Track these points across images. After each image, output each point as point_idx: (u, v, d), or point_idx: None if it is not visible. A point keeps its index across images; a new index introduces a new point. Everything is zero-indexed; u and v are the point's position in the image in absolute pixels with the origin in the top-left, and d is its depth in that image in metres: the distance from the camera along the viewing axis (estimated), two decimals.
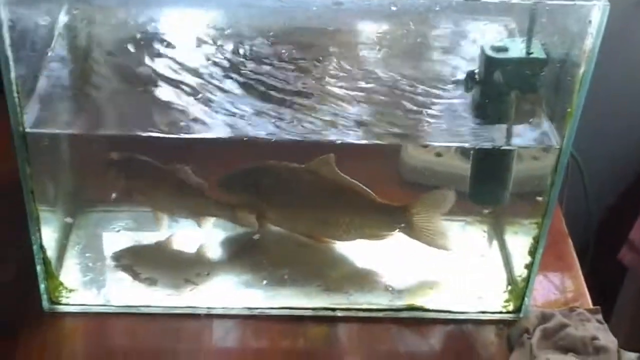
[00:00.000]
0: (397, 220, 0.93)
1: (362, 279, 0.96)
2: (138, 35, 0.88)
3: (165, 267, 0.96)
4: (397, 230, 0.94)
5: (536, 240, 0.89)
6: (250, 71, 0.87)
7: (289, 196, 0.94)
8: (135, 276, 0.94)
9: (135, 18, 0.89)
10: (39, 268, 0.89)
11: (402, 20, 0.84)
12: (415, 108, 0.87)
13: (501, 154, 0.89)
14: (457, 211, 0.99)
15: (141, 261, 0.96)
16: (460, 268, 0.97)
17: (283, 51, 0.87)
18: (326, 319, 0.92)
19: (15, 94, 0.79)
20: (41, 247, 0.88)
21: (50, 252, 0.90)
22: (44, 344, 0.89)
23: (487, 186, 0.93)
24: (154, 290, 0.93)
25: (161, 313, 0.92)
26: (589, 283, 0.98)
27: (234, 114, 0.85)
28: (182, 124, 0.84)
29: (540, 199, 0.88)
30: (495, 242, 1.01)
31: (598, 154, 1.20)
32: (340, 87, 0.88)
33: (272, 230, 0.96)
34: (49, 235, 0.90)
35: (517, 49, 0.83)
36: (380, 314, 0.93)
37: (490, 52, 0.84)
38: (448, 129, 0.86)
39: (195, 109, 0.85)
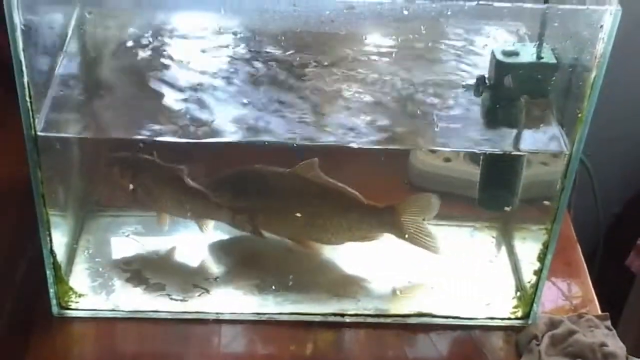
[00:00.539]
0: (384, 221, 0.93)
1: (370, 285, 0.96)
2: (150, 39, 0.89)
3: (174, 273, 0.96)
4: (385, 231, 0.93)
5: (545, 246, 0.89)
6: (263, 75, 0.88)
7: (274, 200, 0.94)
8: (144, 281, 0.94)
9: (148, 21, 0.89)
10: (48, 273, 0.89)
11: (414, 24, 0.84)
12: (425, 112, 0.87)
13: (511, 159, 0.89)
14: (465, 217, 1.00)
15: (150, 266, 0.96)
16: (468, 274, 0.97)
17: (296, 55, 0.88)
18: (335, 325, 0.92)
19: (28, 98, 0.79)
20: (51, 251, 0.88)
21: (60, 256, 0.90)
22: (54, 348, 0.89)
23: (496, 191, 0.93)
24: (163, 296, 0.93)
25: (170, 318, 0.92)
26: (596, 289, 0.98)
27: (246, 119, 0.85)
28: (193, 128, 0.85)
29: (548, 203, 0.88)
30: (503, 248, 1.01)
31: (607, 160, 1.20)
32: (351, 91, 0.88)
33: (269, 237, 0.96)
34: (58, 240, 0.90)
35: (527, 54, 0.84)
36: (388, 320, 0.93)
37: (501, 57, 0.84)
38: (458, 133, 0.86)
39: (208, 113, 0.86)
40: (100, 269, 0.95)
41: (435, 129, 0.86)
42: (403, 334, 0.92)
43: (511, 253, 0.99)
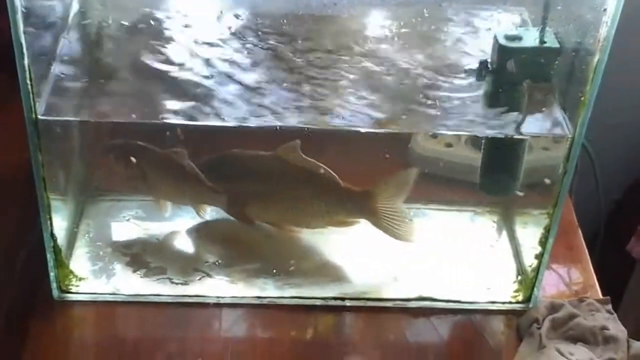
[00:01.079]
0: (360, 205, 0.92)
1: (371, 269, 0.96)
2: (151, 21, 0.88)
3: (175, 256, 0.96)
4: (361, 217, 0.92)
5: (547, 230, 0.89)
6: (264, 58, 0.87)
7: (254, 183, 0.93)
8: (145, 265, 0.94)
9: (149, 3, 0.89)
10: (49, 256, 0.89)
11: (417, 8, 0.84)
12: (427, 96, 0.87)
13: (513, 144, 0.89)
14: (467, 201, 1.00)
15: (151, 250, 0.96)
16: (469, 258, 0.97)
17: (297, 38, 0.87)
18: (336, 309, 0.92)
19: (28, 81, 0.78)
20: (52, 235, 0.88)
21: (61, 240, 0.90)
22: (54, 332, 0.89)
23: (498, 176, 0.93)
24: (164, 279, 0.93)
25: (170, 302, 0.92)
26: (597, 274, 0.98)
27: (247, 103, 0.85)
28: (194, 111, 0.84)
29: (548, 181, 0.87)
30: (504, 233, 1.01)
31: (609, 146, 1.20)
32: (352, 75, 0.87)
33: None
34: (59, 224, 0.89)
35: (530, 38, 0.83)
36: (389, 304, 0.93)
37: (503, 41, 0.84)
38: (460, 118, 0.86)
39: (208, 96, 0.85)
40: (101, 253, 0.95)
41: (438, 113, 0.86)
42: (404, 318, 0.92)
43: (512, 237, 0.99)
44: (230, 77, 0.86)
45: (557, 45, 0.83)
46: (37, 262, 0.90)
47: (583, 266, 0.99)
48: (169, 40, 0.89)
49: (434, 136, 1.00)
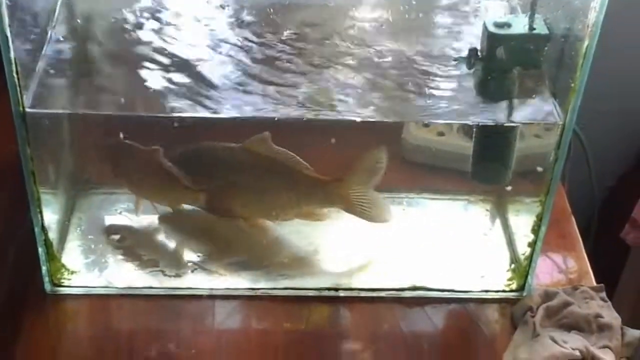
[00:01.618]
0: (332, 193, 0.91)
1: (363, 259, 0.96)
2: (138, 14, 0.88)
3: (167, 249, 0.96)
4: (334, 205, 0.92)
5: (539, 218, 0.89)
6: (253, 50, 0.87)
7: (222, 177, 0.92)
8: (137, 258, 0.94)
9: None
10: (40, 250, 0.89)
11: None
12: (417, 86, 0.86)
13: (504, 132, 0.88)
14: (460, 190, 0.99)
15: (143, 243, 0.96)
16: (463, 247, 0.97)
17: (284, 29, 0.87)
18: (329, 299, 0.92)
19: (15, 74, 0.78)
20: (43, 229, 0.88)
21: (52, 233, 0.90)
22: (47, 326, 0.88)
23: (489, 164, 0.93)
24: (156, 272, 0.93)
25: (163, 294, 0.91)
26: (591, 262, 0.98)
27: (238, 94, 0.85)
28: (181, 104, 0.84)
29: (540, 169, 0.87)
30: (497, 221, 1.00)
31: (602, 131, 1.19)
32: (342, 64, 0.87)
33: None
34: (50, 217, 0.89)
35: (519, 25, 0.83)
36: (382, 294, 0.93)
37: (492, 28, 0.83)
38: (450, 106, 0.86)
39: (197, 88, 0.85)
40: (93, 246, 0.95)
41: (428, 102, 0.86)
42: (398, 308, 0.92)
43: (505, 226, 0.99)
44: (217, 68, 0.86)
45: (546, 31, 0.83)
46: (28, 256, 0.90)
47: (577, 254, 0.99)
48: (157, 31, 0.89)
49: (426, 125, 0.99)
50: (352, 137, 0.89)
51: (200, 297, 0.92)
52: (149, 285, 0.92)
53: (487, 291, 0.93)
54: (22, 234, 0.92)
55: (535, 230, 0.90)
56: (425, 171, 1.00)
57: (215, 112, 0.83)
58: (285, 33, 0.88)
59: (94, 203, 0.99)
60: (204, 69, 0.87)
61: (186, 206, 0.95)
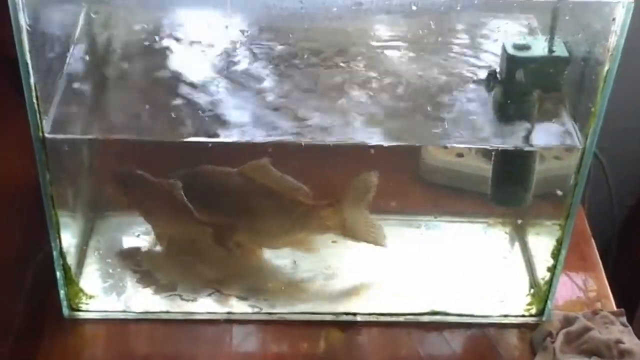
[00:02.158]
0: (326, 219, 0.90)
1: (382, 283, 0.95)
2: (156, 38, 0.88)
3: (185, 273, 0.95)
4: (331, 232, 0.91)
5: (559, 243, 0.88)
6: (271, 74, 0.87)
7: (219, 202, 0.91)
8: (155, 282, 0.94)
9: (154, 20, 0.89)
10: (59, 274, 0.89)
11: (423, 19, 0.83)
12: (435, 108, 0.86)
13: (523, 155, 0.88)
14: (478, 213, 0.98)
15: (160, 266, 0.95)
16: (482, 270, 0.96)
17: (303, 53, 0.87)
18: (347, 324, 0.91)
19: (35, 100, 0.78)
20: (61, 253, 0.88)
21: (70, 257, 0.90)
22: (65, 350, 0.88)
23: (509, 187, 0.92)
24: (174, 296, 0.93)
25: (181, 319, 0.91)
26: (611, 283, 0.97)
27: (256, 117, 0.85)
28: (200, 128, 0.84)
29: (560, 193, 0.87)
30: (517, 244, 1.00)
31: (621, 152, 1.18)
32: (361, 88, 0.87)
33: None
34: (68, 241, 0.89)
35: (539, 47, 0.82)
36: (401, 319, 0.92)
37: (512, 51, 0.83)
38: (469, 130, 0.85)
39: (215, 112, 0.85)
40: (111, 270, 0.95)
41: (446, 125, 0.85)
42: (416, 332, 0.91)
43: (525, 249, 0.98)
44: (237, 91, 0.86)
45: (566, 54, 0.82)
46: (46, 280, 0.90)
47: (596, 276, 0.98)
48: (175, 54, 0.89)
49: (445, 146, 0.99)
50: (370, 161, 0.89)
51: (217, 321, 0.91)
52: (166, 310, 0.92)
53: (506, 316, 0.92)
54: (40, 258, 0.92)
55: (555, 254, 0.89)
56: (443, 193, 0.99)
57: (236, 136, 0.83)
58: (304, 58, 0.88)
59: (112, 227, 0.99)
60: (220, 92, 0.87)
61: None
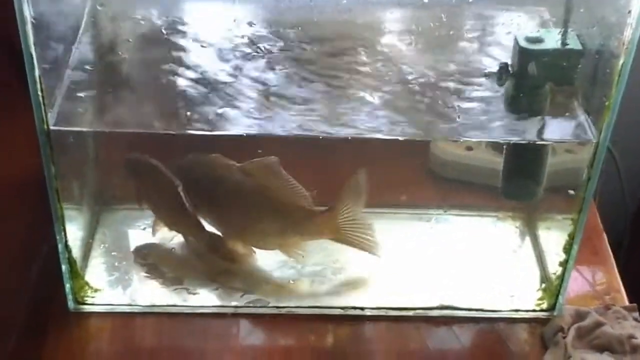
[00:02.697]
0: (321, 224, 0.89)
1: (390, 277, 0.94)
2: (163, 31, 0.87)
3: (191, 266, 0.95)
4: (325, 237, 0.90)
5: (571, 237, 0.87)
6: (280, 66, 0.86)
7: (215, 193, 0.90)
8: (161, 275, 0.93)
9: (161, 13, 0.88)
10: (64, 268, 0.88)
11: (434, 12, 0.82)
12: (446, 102, 0.85)
13: (535, 149, 0.87)
14: (488, 206, 0.98)
15: (167, 260, 0.95)
16: (492, 265, 0.95)
17: (313, 46, 0.86)
18: (355, 318, 0.91)
19: (39, 92, 0.78)
20: (66, 246, 0.87)
21: (75, 251, 0.89)
22: (70, 344, 0.88)
23: (520, 181, 0.92)
24: (180, 289, 0.92)
25: (187, 312, 0.91)
26: (623, 278, 0.96)
27: (264, 110, 0.84)
28: (207, 120, 0.83)
29: (572, 192, 0.86)
30: (527, 238, 0.99)
31: (634, 146, 1.17)
32: (370, 80, 0.86)
33: None
34: (74, 234, 0.89)
35: (552, 40, 0.81)
36: (410, 313, 0.91)
37: (524, 43, 0.82)
38: (480, 123, 0.84)
39: (222, 105, 0.84)
40: (116, 264, 0.94)
41: (457, 119, 0.84)
42: (425, 327, 0.90)
43: (535, 243, 0.98)
44: (245, 85, 0.85)
45: (579, 47, 0.81)
46: (52, 273, 0.89)
47: (608, 271, 0.97)
48: (182, 47, 0.88)
49: (455, 140, 0.98)
50: (379, 154, 0.88)
51: (224, 315, 0.91)
52: (172, 303, 0.91)
53: (516, 310, 0.92)
54: (46, 252, 0.92)
55: (567, 249, 0.88)
56: (453, 186, 0.98)
57: (244, 129, 0.82)
58: (314, 49, 0.87)
59: (118, 220, 0.99)
60: (228, 85, 0.86)
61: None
